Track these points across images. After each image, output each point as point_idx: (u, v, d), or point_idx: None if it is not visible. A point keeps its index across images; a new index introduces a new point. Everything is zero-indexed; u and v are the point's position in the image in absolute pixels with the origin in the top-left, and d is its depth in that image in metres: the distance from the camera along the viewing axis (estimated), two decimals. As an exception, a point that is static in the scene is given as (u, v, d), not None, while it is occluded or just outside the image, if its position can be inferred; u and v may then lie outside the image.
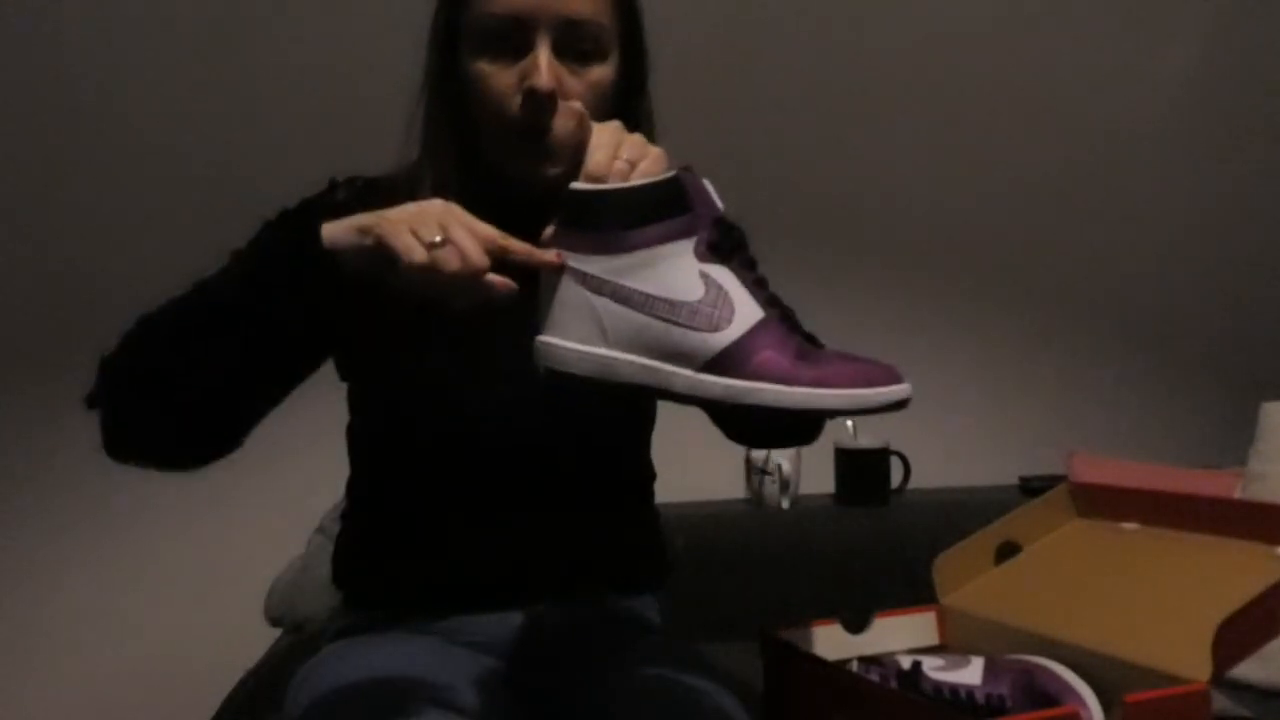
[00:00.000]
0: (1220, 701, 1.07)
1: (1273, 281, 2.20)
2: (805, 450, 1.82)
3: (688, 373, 0.69)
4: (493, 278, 0.71)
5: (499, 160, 0.90)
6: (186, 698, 1.45)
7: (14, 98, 1.85)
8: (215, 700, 1.32)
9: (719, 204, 0.73)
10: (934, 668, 0.87)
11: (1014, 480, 1.89)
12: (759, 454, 1.80)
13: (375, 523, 1.00)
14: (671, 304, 0.69)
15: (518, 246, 0.72)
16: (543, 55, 0.85)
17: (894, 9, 2.07)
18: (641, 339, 0.70)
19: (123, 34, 1.86)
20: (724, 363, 0.68)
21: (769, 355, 0.68)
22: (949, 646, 1.04)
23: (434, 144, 0.93)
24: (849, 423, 1.82)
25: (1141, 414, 2.15)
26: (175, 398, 0.81)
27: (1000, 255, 2.13)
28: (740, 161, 1.97)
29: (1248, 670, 1.16)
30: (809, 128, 2.05)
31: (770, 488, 1.79)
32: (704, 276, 0.70)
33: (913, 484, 1.86)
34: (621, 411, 1.01)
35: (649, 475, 1.08)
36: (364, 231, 0.74)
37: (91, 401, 0.86)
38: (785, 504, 1.79)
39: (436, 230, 0.71)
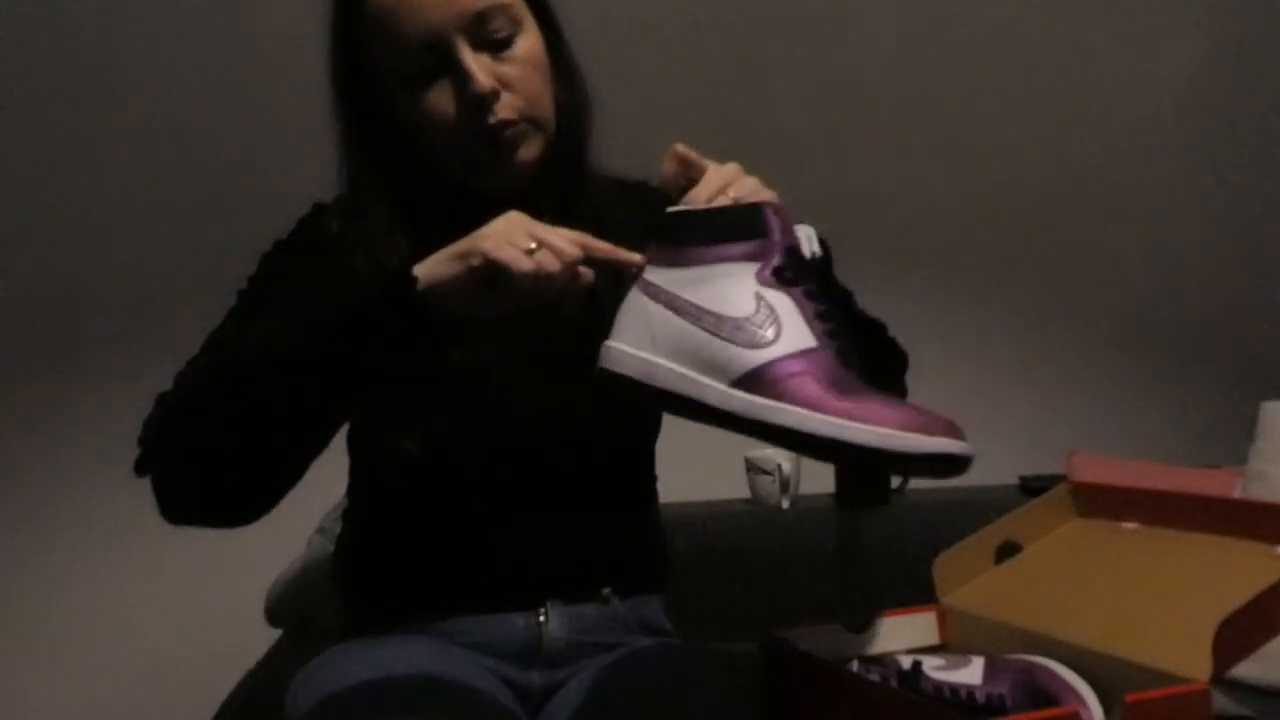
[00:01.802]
0: (1220, 701, 1.06)
1: (1273, 281, 2.20)
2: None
3: (720, 386, 0.69)
4: (583, 269, 0.74)
5: (469, 178, 0.90)
6: (186, 698, 1.45)
7: (14, 98, 1.85)
8: (215, 701, 1.32)
9: (803, 242, 0.74)
10: (934, 667, 0.87)
11: (1014, 480, 1.89)
12: (759, 454, 1.80)
13: (377, 524, 0.99)
14: (719, 317, 0.71)
15: (600, 245, 0.74)
16: (467, 59, 0.85)
17: (893, 9, 2.07)
18: (684, 347, 0.71)
19: (123, 34, 1.86)
20: (755, 380, 0.68)
21: (802, 380, 0.67)
22: (949, 646, 1.03)
23: (365, 187, 0.92)
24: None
25: (1141, 413, 2.15)
26: (250, 466, 0.79)
27: (1000, 255, 2.13)
28: (739, 161, 1.97)
29: (1248, 670, 1.16)
30: (808, 128, 2.05)
31: (770, 488, 1.79)
32: (759, 297, 0.71)
33: (912, 484, 1.86)
34: (630, 417, 1.01)
35: (651, 479, 1.08)
36: (465, 256, 0.73)
37: (141, 468, 0.83)
38: (785, 504, 1.79)
39: (528, 239, 0.72)
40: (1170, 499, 1.02)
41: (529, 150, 0.89)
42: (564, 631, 0.94)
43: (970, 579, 1.08)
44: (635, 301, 0.74)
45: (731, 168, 0.79)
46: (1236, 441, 1.62)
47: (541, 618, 0.94)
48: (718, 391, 0.69)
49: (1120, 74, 2.15)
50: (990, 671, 0.85)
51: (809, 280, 0.73)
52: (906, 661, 0.89)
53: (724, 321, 0.70)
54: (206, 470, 0.79)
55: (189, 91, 1.88)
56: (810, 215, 2.28)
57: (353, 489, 1.03)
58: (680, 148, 0.79)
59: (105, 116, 1.87)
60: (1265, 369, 2.07)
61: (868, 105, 2.06)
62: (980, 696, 0.83)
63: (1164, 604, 0.90)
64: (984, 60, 2.09)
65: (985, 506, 1.25)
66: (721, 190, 0.76)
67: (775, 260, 0.72)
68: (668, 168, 0.79)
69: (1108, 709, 0.78)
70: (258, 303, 0.91)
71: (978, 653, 0.90)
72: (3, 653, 1.84)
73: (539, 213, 0.77)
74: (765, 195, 0.78)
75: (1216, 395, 2.13)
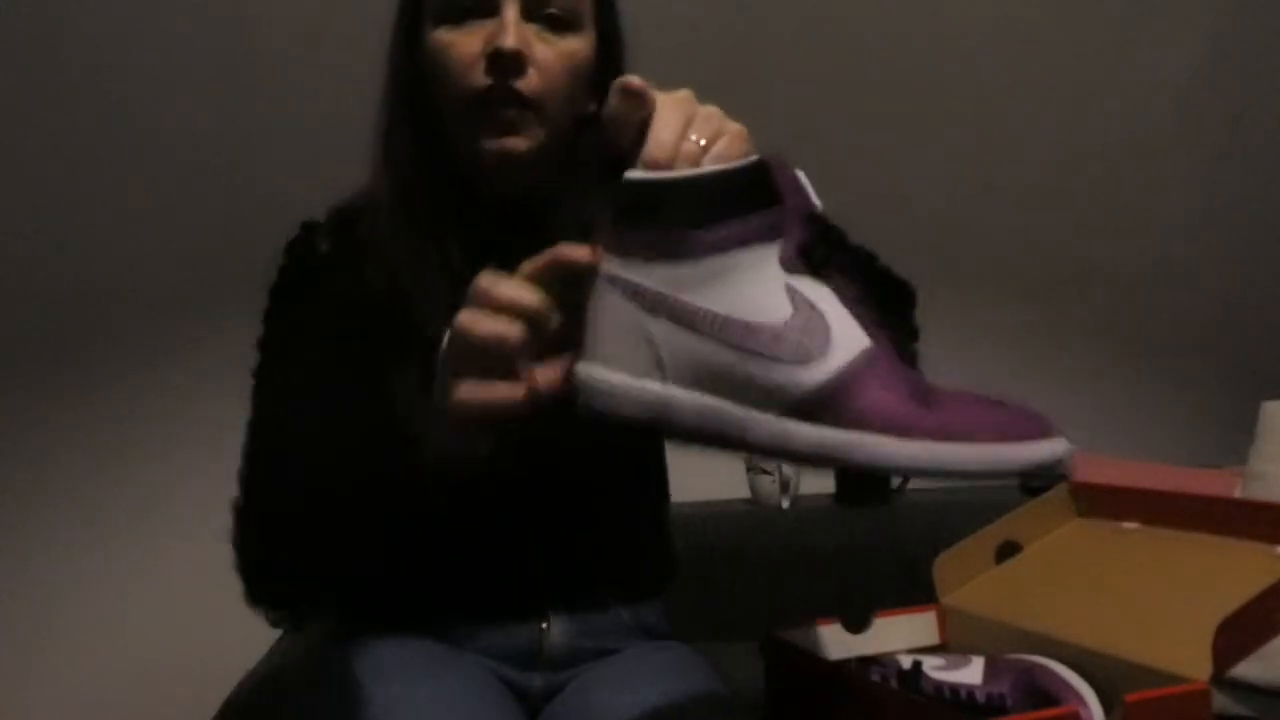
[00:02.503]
0: (1220, 701, 1.06)
1: (1273, 281, 2.20)
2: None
3: (769, 417, 0.54)
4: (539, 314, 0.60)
5: (464, 139, 0.85)
6: (186, 698, 1.45)
7: (13, 99, 1.85)
8: (215, 701, 1.32)
9: (815, 199, 0.59)
10: (934, 667, 0.87)
11: (1014, 480, 1.89)
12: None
13: None
14: (749, 327, 0.54)
15: (531, 267, 0.60)
16: (509, 13, 0.81)
17: (892, 10, 2.07)
18: (709, 371, 0.55)
19: (123, 35, 1.86)
20: (820, 404, 0.53)
21: (877, 395, 0.53)
22: (949, 646, 1.03)
23: (392, 138, 0.89)
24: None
25: (1141, 413, 2.15)
26: (347, 580, 0.83)
27: (1000, 255, 2.13)
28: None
29: (1248, 669, 1.16)
30: (806, 129, 2.05)
31: (770, 488, 1.79)
32: (791, 292, 0.55)
33: (913, 483, 1.86)
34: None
35: (663, 479, 1.08)
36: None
37: (253, 597, 0.84)
38: (785, 504, 1.79)
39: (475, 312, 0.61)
40: (1171, 499, 1.02)
41: (520, 141, 0.83)
42: (566, 637, 0.94)
43: (970, 579, 1.08)
44: (624, 314, 0.56)
45: (683, 94, 0.63)
46: (1236, 441, 1.62)
47: (544, 625, 0.93)
48: (770, 425, 0.53)
49: (1120, 74, 2.15)
50: (990, 671, 0.85)
51: (839, 254, 0.58)
52: (906, 661, 0.89)
53: (757, 332, 0.54)
54: (314, 584, 0.83)
55: (192, 92, 1.88)
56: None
57: None
58: (633, 80, 0.60)
59: (105, 117, 1.87)
60: (1265, 369, 2.07)
61: (867, 106, 2.06)
62: (980, 696, 0.82)
63: (1164, 604, 0.90)
64: (983, 60, 2.09)
65: (985, 506, 1.24)
66: (684, 133, 0.60)
67: (798, 236, 0.56)
68: (615, 105, 0.60)
69: (1108, 709, 0.78)
70: (284, 377, 0.87)
71: (978, 653, 0.90)
72: (3, 654, 1.84)
73: (521, 225, 0.76)
74: (735, 128, 0.64)
75: (1216, 395, 2.13)
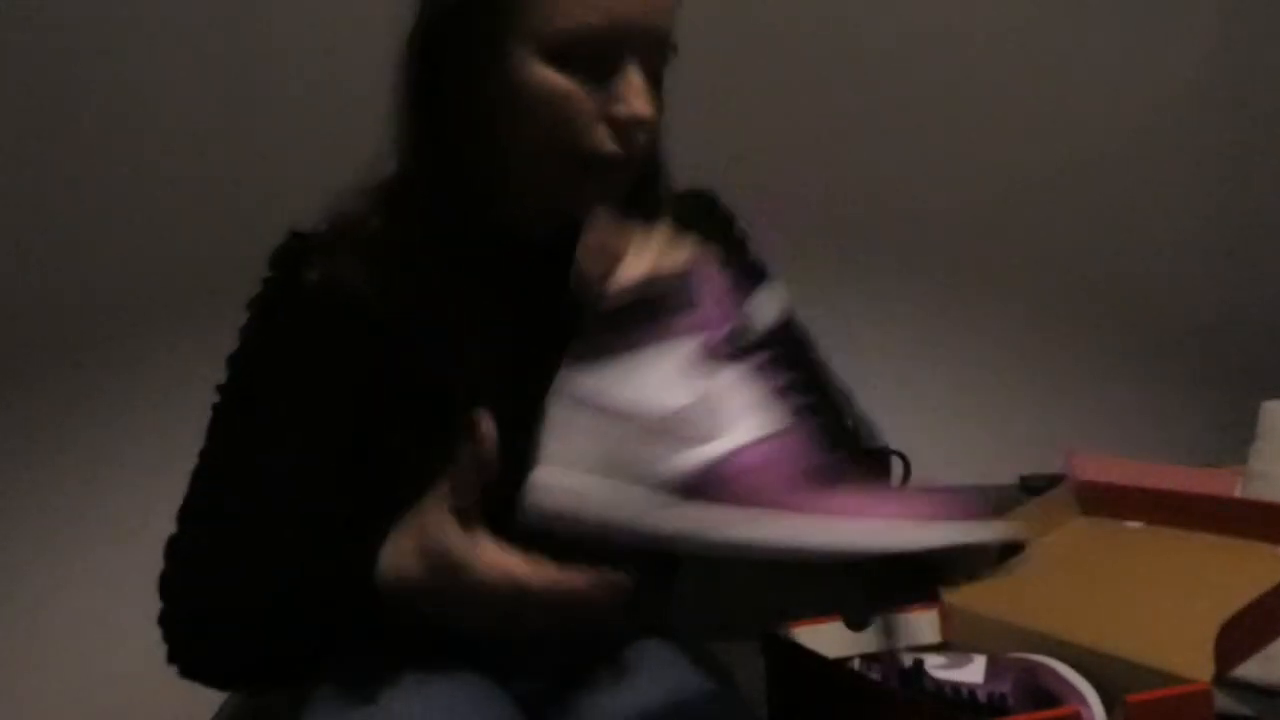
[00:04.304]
0: (1221, 701, 1.06)
1: (1273, 281, 2.20)
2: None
3: (661, 497, 0.55)
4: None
5: (542, 185, 0.79)
6: (186, 699, 1.45)
7: (13, 99, 1.84)
8: (216, 702, 1.32)
9: (759, 308, 0.62)
10: (936, 666, 0.87)
11: (1014, 480, 1.89)
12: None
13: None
14: (651, 412, 0.57)
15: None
16: (637, 77, 0.75)
17: (893, 7, 2.07)
18: (616, 457, 0.57)
19: (128, 34, 1.86)
20: (704, 483, 0.54)
21: (762, 475, 0.54)
22: (951, 645, 1.03)
23: (449, 162, 0.81)
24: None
25: (1141, 413, 2.15)
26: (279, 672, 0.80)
27: (1001, 254, 2.13)
28: (738, 164, 1.97)
29: (1248, 670, 1.16)
30: (807, 128, 2.05)
31: (770, 487, 1.79)
32: (699, 380, 0.57)
33: (913, 483, 1.86)
34: None
35: None
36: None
37: (165, 627, 0.84)
38: (785, 504, 1.79)
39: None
40: (1174, 498, 1.02)
41: (612, 194, 0.78)
42: (565, 638, 0.93)
43: (971, 578, 1.08)
44: (558, 415, 0.60)
45: (658, 236, 0.64)
46: (1236, 441, 1.61)
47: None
48: (660, 506, 0.55)
49: (1120, 74, 2.14)
50: (992, 671, 0.85)
51: (764, 348, 0.60)
52: (908, 660, 0.89)
53: (658, 417, 0.57)
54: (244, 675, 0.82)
55: (189, 96, 1.88)
56: (811, 217, 2.28)
57: None
58: (593, 238, 0.63)
59: (101, 123, 1.86)
60: (1265, 369, 2.07)
61: (867, 107, 2.06)
62: (982, 695, 0.82)
63: (1167, 604, 0.90)
64: (983, 60, 2.09)
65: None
66: (650, 265, 0.61)
67: (714, 333, 0.59)
68: (587, 266, 0.62)
69: (1110, 708, 0.78)
70: (250, 416, 0.84)
71: (979, 652, 0.90)
72: (1, 655, 1.84)
73: (542, 265, 0.72)
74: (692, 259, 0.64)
75: (1216, 395, 2.13)
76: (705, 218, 0.94)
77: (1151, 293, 2.18)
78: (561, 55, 0.73)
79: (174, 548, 0.84)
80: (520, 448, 0.62)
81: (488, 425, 0.62)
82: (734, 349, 0.59)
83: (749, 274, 0.94)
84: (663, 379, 0.58)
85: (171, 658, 0.82)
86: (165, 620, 0.82)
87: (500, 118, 0.77)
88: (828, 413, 0.60)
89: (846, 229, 2.06)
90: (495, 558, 0.63)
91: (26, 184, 1.85)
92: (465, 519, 0.64)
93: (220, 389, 0.87)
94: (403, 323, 0.81)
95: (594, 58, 0.74)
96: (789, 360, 0.61)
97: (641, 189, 0.83)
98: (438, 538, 0.64)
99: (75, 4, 1.84)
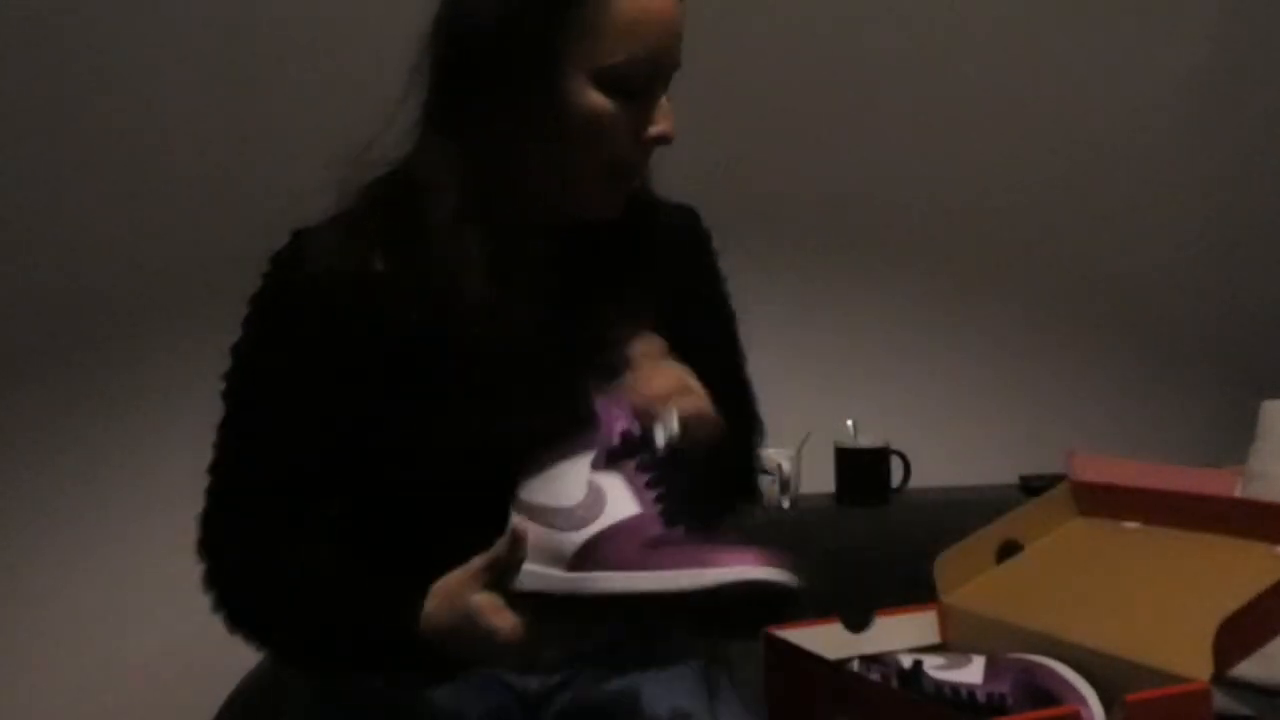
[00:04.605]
0: (1220, 700, 1.06)
1: (1273, 281, 2.20)
2: (805, 450, 1.82)
3: (557, 573, 0.74)
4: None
5: (582, 198, 0.89)
6: (186, 699, 1.45)
7: (11, 98, 1.84)
8: (216, 702, 1.32)
9: (659, 431, 0.77)
10: (935, 666, 0.87)
11: (1014, 480, 1.89)
12: (759, 453, 1.80)
13: (370, 540, 0.99)
14: (555, 511, 0.75)
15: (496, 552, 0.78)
16: (666, 102, 0.87)
17: (893, 7, 2.07)
18: (538, 546, 0.75)
19: (121, 32, 1.86)
20: (579, 558, 0.73)
21: (615, 545, 0.71)
22: (950, 645, 1.03)
23: (471, 161, 0.88)
24: (849, 422, 1.83)
25: (1141, 412, 2.15)
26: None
27: (1001, 254, 2.13)
28: (739, 163, 1.97)
29: (1248, 669, 1.16)
30: (808, 127, 2.05)
31: (770, 488, 1.79)
32: (590, 484, 0.75)
33: (913, 483, 1.86)
34: None
35: None
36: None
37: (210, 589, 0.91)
38: (785, 504, 1.79)
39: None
40: (1172, 499, 1.02)
41: (624, 197, 0.91)
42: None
43: (971, 578, 1.08)
44: (513, 516, 0.79)
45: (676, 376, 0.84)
46: (1236, 441, 1.62)
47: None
48: (556, 578, 0.73)
49: (1120, 74, 2.14)
50: (991, 671, 0.85)
51: (643, 452, 0.76)
52: (907, 661, 0.89)
53: (559, 513, 0.75)
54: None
55: (190, 94, 1.88)
56: (812, 217, 2.28)
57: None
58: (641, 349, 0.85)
59: (102, 120, 1.86)
60: (1265, 369, 2.07)
61: (867, 107, 2.06)
62: (981, 696, 0.82)
63: (1165, 603, 0.90)
64: (983, 60, 2.09)
65: (985, 506, 1.24)
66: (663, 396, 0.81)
67: (609, 447, 0.76)
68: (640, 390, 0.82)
69: (1109, 708, 0.78)
70: (259, 406, 0.90)
71: (978, 652, 0.90)
72: (2, 653, 1.84)
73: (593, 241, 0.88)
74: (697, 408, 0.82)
75: (1216, 395, 2.13)
76: (687, 232, 1.03)
77: (1152, 293, 2.18)
78: (609, 82, 0.84)
79: (206, 518, 0.91)
80: (522, 417, 0.81)
81: (522, 527, 0.76)
82: (621, 455, 0.76)
83: (712, 303, 1.05)
84: (570, 481, 0.76)
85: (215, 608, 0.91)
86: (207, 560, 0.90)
87: (544, 130, 0.86)
88: (692, 502, 0.77)
89: (846, 229, 2.06)
90: (498, 612, 0.76)
91: (26, 184, 1.85)
92: (488, 583, 0.78)
93: (227, 374, 0.91)
94: (406, 308, 0.87)
95: (634, 84, 0.85)
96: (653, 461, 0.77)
97: (635, 195, 0.94)
98: (464, 596, 0.78)
99: (75, 4, 1.84)
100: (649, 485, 0.75)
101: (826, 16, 2.03)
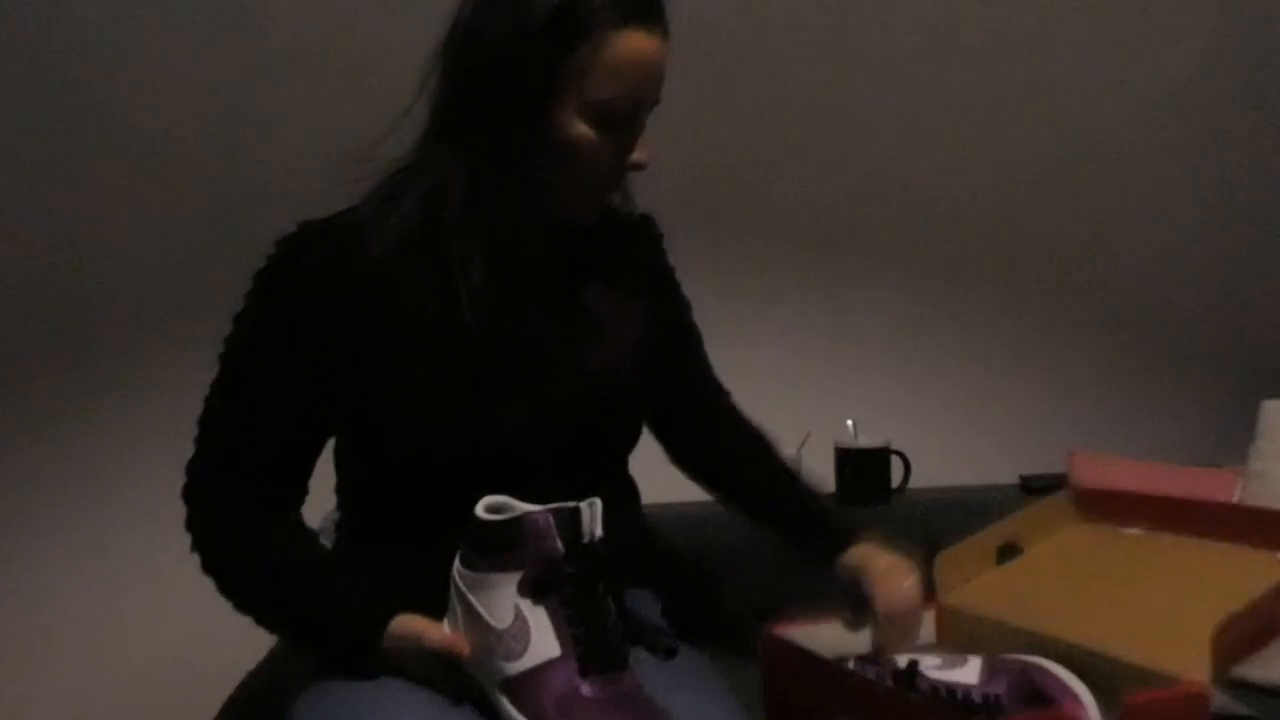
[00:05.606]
0: (1220, 700, 1.06)
1: (1273, 280, 2.20)
2: (805, 450, 1.82)
3: (496, 691, 0.81)
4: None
5: (567, 209, 0.97)
6: (187, 699, 1.45)
7: (13, 99, 1.85)
8: (216, 702, 1.32)
9: (584, 525, 0.81)
10: (931, 666, 0.87)
11: (1014, 480, 1.88)
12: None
13: (367, 535, 1.01)
14: (488, 627, 0.81)
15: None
16: (644, 132, 0.95)
17: (892, 8, 2.07)
18: (475, 660, 0.83)
19: (121, 32, 1.86)
20: (510, 689, 0.80)
21: (535, 696, 0.79)
22: (947, 645, 1.04)
23: (496, 177, 0.94)
24: (849, 422, 1.82)
25: (1141, 412, 2.15)
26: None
27: (1000, 254, 2.13)
28: (739, 164, 1.97)
29: (1248, 669, 1.16)
30: (808, 127, 2.05)
31: (770, 487, 1.79)
32: (516, 609, 0.80)
33: (913, 483, 1.86)
34: (609, 434, 1.04)
35: (631, 484, 1.10)
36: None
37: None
38: (785, 504, 1.79)
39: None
40: (1173, 505, 1.02)
41: (601, 210, 1.00)
42: None
43: (970, 579, 1.08)
44: (453, 594, 0.85)
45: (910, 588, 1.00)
46: (1236, 441, 1.61)
47: None
48: (496, 694, 0.81)
49: (1119, 73, 2.14)
50: (987, 671, 0.85)
51: (565, 587, 0.80)
52: (903, 660, 0.89)
53: (490, 631, 0.81)
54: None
55: (190, 91, 1.88)
56: (812, 216, 2.28)
57: (341, 500, 1.03)
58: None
59: (102, 116, 1.86)
60: (1265, 369, 2.07)
61: (868, 106, 2.06)
62: (976, 696, 0.83)
63: (1164, 606, 0.90)
64: (983, 60, 2.09)
65: (985, 506, 1.25)
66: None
67: (531, 571, 0.80)
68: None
69: (1106, 709, 0.78)
70: (249, 375, 0.95)
71: (975, 652, 0.90)
72: (2, 654, 1.84)
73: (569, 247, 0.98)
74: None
75: (1216, 395, 2.13)
76: (643, 236, 1.13)
77: (1151, 292, 2.18)
78: (595, 115, 0.91)
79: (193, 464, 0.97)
80: (514, 406, 0.93)
81: (460, 646, 0.84)
82: (543, 586, 0.80)
83: (678, 294, 1.17)
84: (498, 602, 0.81)
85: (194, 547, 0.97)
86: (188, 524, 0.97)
87: (534, 152, 0.93)
88: (609, 634, 0.83)
89: (846, 229, 2.05)
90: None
91: (26, 184, 1.85)
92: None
93: (227, 339, 0.96)
94: (405, 297, 0.93)
95: (617, 118, 0.92)
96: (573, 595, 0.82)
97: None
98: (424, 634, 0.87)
99: (76, 4, 1.84)
100: (570, 623, 0.80)
101: (826, 16, 2.03)
